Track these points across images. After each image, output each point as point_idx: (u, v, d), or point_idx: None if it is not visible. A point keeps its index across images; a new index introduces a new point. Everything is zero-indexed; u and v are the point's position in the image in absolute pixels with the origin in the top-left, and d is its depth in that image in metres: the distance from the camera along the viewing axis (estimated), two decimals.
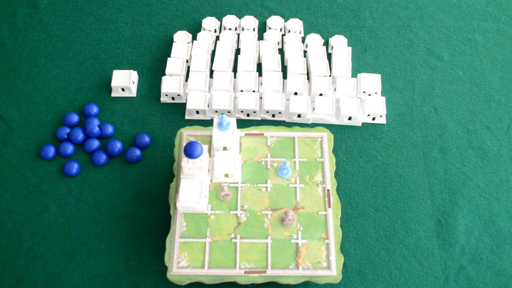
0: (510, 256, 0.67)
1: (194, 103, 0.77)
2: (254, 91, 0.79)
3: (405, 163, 0.74)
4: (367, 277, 0.65)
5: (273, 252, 0.61)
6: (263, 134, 0.71)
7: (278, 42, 0.85)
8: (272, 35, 0.86)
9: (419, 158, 0.75)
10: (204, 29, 0.88)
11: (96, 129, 0.75)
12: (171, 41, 0.87)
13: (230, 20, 0.88)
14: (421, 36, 0.88)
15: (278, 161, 0.68)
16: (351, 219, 0.69)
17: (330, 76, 0.81)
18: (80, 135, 0.74)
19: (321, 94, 0.79)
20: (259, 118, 0.78)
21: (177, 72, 0.81)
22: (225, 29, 0.88)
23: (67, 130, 0.76)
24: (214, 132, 0.66)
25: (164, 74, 0.81)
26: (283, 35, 0.87)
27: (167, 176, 0.72)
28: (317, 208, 0.64)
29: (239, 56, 0.83)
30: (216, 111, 0.77)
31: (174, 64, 0.81)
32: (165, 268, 0.61)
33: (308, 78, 0.82)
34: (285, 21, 0.89)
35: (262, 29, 0.89)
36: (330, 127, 0.77)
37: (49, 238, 0.67)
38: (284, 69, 0.83)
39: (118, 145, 0.74)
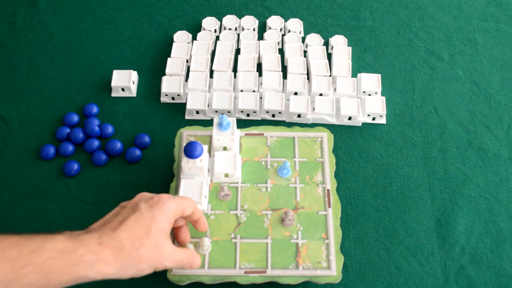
0: (510, 256, 0.67)
1: (194, 103, 0.77)
2: (254, 91, 0.79)
3: (405, 163, 0.74)
4: (367, 277, 0.65)
5: (273, 252, 0.61)
6: (263, 134, 0.71)
7: (278, 42, 0.85)
8: (272, 35, 0.86)
9: (419, 158, 0.75)
10: (204, 29, 0.88)
11: (96, 129, 0.75)
12: (171, 41, 0.87)
13: (230, 20, 0.88)
14: (421, 36, 0.88)
15: (278, 161, 0.68)
16: (351, 219, 0.69)
17: (330, 76, 0.81)
18: (80, 135, 0.74)
19: (321, 94, 0.79)
20: (259, 118, 0.78)
21: (177, 72, 0.81)
22: (225, 29, 0.88)
23: (67, 130, 0.76)
24: (214, 132, 0.66)
25: (164, 74, 0.81)
26: (283, 35, 0.87)
27: (167, 176, 0.71)
28: (317, 208, 0.64)
29: (239, 56, 0.83)
30: (216, 111, 0.77)
31: (174, 64, 0.81)
32: None
33: (308, 78, 0.82)
34: (285, 21, 0.89)
35: (262, 29, 0.89)
36: (330, 127, 0.77)
37: None
38: (284, 69, 0.83)
39: (118, 145, 0.74)
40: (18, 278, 0.41)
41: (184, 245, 0.59)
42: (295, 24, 0.88)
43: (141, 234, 0.49)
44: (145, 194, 0.54)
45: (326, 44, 0.87)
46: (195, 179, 0.63)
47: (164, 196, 0.52)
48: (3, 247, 0.41)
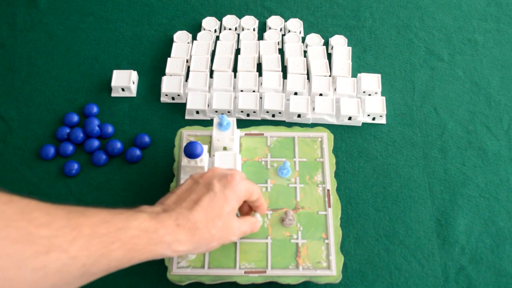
0: (510, 256, 0.67)
1: (194, 103, 0.77)
2: (254, 91, 0.79)
3: (405, 163, 0.74)
4: (367, 277, 0.65)
5: (273, 252, 0.61)
6: (263, 134, 0.71)
7: (278, 42, 0.85)
8: (272, 35, 0.86)
9: (419, 158, 0.75)
10: (204, 29, 0.88)
11: (96, 129, 0.75)
12: (171, 41, 0.87)
13: (230, 20, 0.88)
14: (421, 36, 0.88)
15: (278, 161, 0.68)
16: (351, 219, 0.69)
17: (330, 76, 0.81)
18: (80, 135, 0.74)
19: (321, 94, 0.79)
20: (259, 118, 0.78)
21: (177, 72, 0.81)
22: (225, 29, 0.88)
23: (67, 130, 0.76)
24: (214, 132, 0.66)
25: (164, 74, 0.81)
26: (283, 35, 0.87)
27: (167, 176, 0.72)
28: (317, 208, 0.64)
29: (239, 56, 0.83)
30: (216, 111, 0.77)
31: (174, 64, 0.81)
32: (165, 268, 0.61)
33: (308, 78, 0.82)
34: (285, 21, 0.89)
35: (262, 29, 0.89)
36: (330, 127, 0.77)
37: None
38: (284, 69, 0.83)
39: (118, 145, 0.74)
40: (107, 253, 0.43)
41: (247, 215, 0.60)
42: (295, 24, 0.88)
43: (214, 216, 0.51)
44: (217, 170, 0.55)
45: (326, 44, 0.87)
46: None
47: (236, 175, 0.54)
48: (94, 223, 0.43)
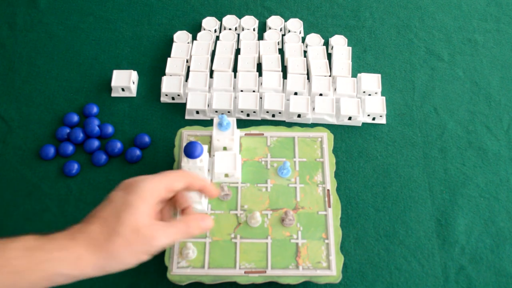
0: (510, 256, 0.67)
1: (194, 103, 0.77)
2: (254, 91, 0.79)
3: (405, 163, 0.74)
4: (367, 277, 0.65)
5: (273, 252, 0.61)
6: (263, 134, 0.71)
7: (278, 42, 0.85)
8: (272, 35, 0.86)
9: (419, 158, 0.75)
10: (204, 29, 0.88)
11: (96, 129, 0.75)
12: (171, 41, 0.87)
13: (230, 20, 0.88)
14: (421, 36, 0.88)
15: (278, 161, 0.68)
16: (351, 219, 0.69)
17: (330, 76, 0.81)
18: (80, 135, 0.74)
19: (321, 94, 0.79)
20: (259, 118, 0.78)
21: (177, 72, 0.81)
22: (225, 29, 0.88)
23: (67, 130, 0.76)
24: (214, 132, 0.66)
25: (164, 74, 0.81)
26: (283, 35, 0.87)
27: None
28: (317, 208, 0.64)
29: (239, 56, 0.83)
30: (216, 111, 0.77)
31: (174, 64, 0.81)
32: (165, 268, 0.61)
33: (308, 78, 0.82)
34: (285, 21, 0.89)
35: (262, 29, 0.89)
36: (330, 127, 0.77)
37: None
38: (284, 69, 0.83)
39: (118, 145, 0.74)
40: None
41: (186, 209, 0.54)
42: (295, 24, 0.88)
43: (114, 224, 0.45)
44: (126, 181, 0.50)
45: (326, 44, 0.87)
46: None
47: (140, 178, 0.49)
48: None
